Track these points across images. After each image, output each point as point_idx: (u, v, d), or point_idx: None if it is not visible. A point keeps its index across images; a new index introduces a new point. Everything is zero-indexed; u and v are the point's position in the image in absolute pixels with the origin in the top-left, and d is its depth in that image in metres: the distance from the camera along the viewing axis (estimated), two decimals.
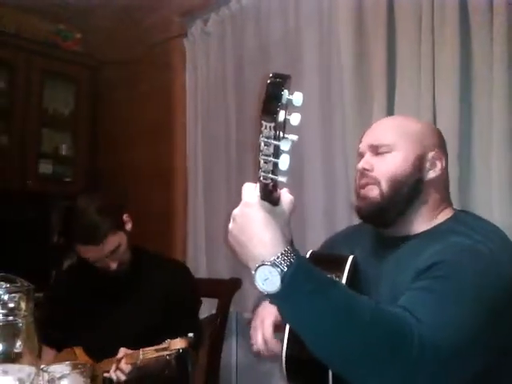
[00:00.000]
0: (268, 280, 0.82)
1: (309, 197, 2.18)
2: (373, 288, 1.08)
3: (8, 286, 0.96)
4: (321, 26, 2.18)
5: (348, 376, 0.89)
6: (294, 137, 0.77)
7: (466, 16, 1.69)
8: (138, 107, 3.10)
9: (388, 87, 1.87)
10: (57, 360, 1.56)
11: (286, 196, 0.89)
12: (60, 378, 0.92)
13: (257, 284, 0.83)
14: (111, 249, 1.62)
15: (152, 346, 1.41)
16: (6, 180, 2.95)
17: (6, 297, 0.94)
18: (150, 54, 2.98)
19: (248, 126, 2.44)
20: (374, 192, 1.10)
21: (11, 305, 0.94)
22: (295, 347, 1.04)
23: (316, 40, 2.19)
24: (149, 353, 1.42)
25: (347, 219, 1.94)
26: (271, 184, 0.80)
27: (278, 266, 0.81)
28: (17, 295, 0.95)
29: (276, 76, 0.76)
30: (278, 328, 1.17)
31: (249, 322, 1.28)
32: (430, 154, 1.11)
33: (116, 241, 1.63)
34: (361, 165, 1.13)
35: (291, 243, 0.90)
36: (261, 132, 0.76)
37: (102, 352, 1.56)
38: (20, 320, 0.94)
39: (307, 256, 1.17)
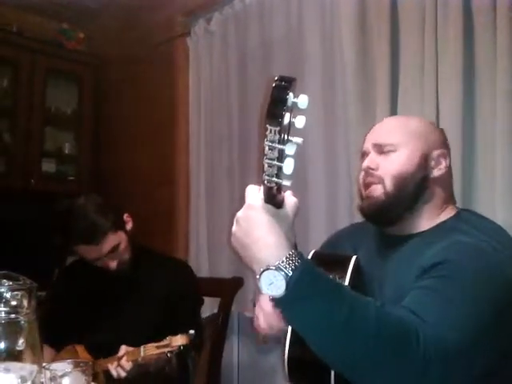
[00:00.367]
0: (273, 284, 0.81)
1: (311, 197, 2.17)
2: (377, 288, 1.08)
3: (11, 283, 0.95)
4: (323, 23, 2.18)
5: (354, 379, 0.88)
6: (299, 140, 0.76)
7: (469, 15, 1.69)
8: (141, 106, 3.09)
9: (391, 86, 1.87)
10: (58, 358, 1.57)
11: (289, 199, 0.88)
12: (62, 376, 0.92)
13: (261, 288, 0.82)
14: (110, 248, 1.62)
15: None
16: (9, 179, 2.96)
17: (8, 295, 0.94)
18: (153, 53, 2.98)
19: (251, 125, 2.43)
20: (378, 191, 1.10)
21: (14, 303, 0.94)
22: (297, 347, 1.03)
23: (319, 38, 2.19)
24: (150, 349, 1.42)
25: (349, 220, 1.94)
26: (275, 187, 0.80)
27: (283, 270, 0.81)
28: (19, 293, 0.95)
29: (281, 79, 0.75)
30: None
31: (251, 320, 1.27)
32: (435, 152, 1.11)
33: (115, 240, 1.63)
34: (366, 164, 1.13)
35: (295, 246, 0.90)
36: (265, 136, 0.75)
37: (103, 350, 1.56)
38: (22, 318, 0.94)
39: (310, 256, 1.17)
